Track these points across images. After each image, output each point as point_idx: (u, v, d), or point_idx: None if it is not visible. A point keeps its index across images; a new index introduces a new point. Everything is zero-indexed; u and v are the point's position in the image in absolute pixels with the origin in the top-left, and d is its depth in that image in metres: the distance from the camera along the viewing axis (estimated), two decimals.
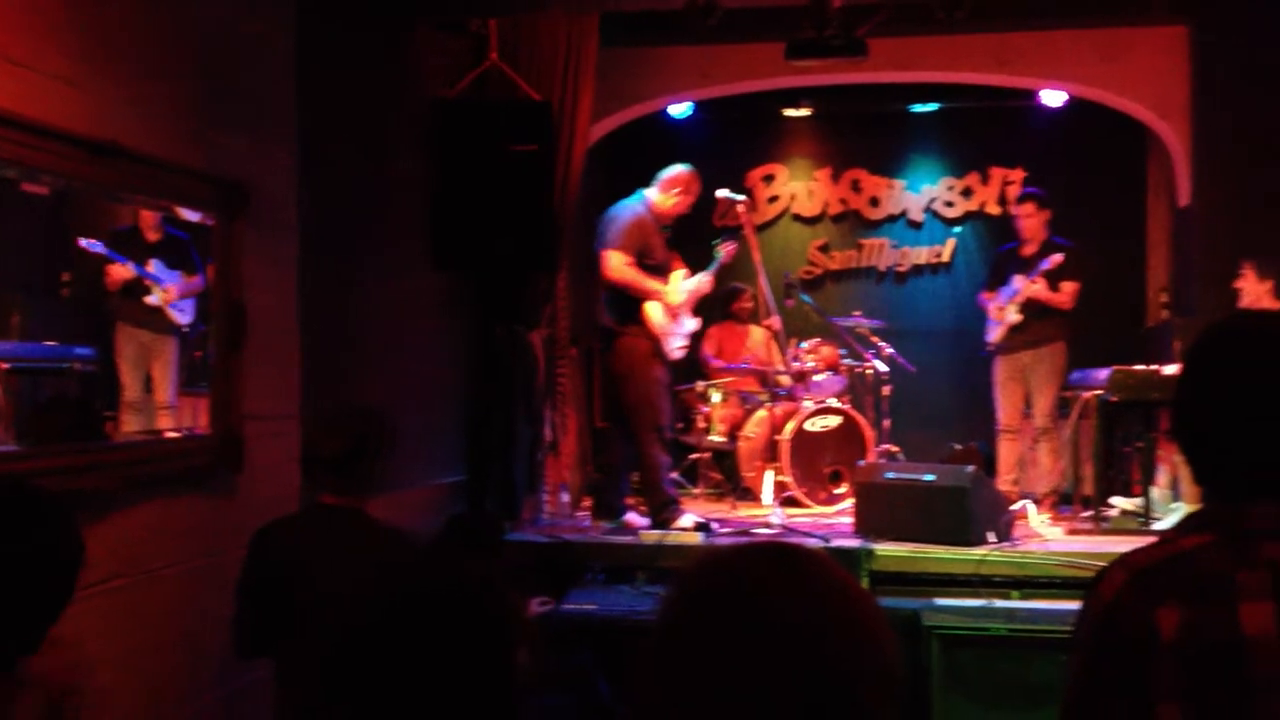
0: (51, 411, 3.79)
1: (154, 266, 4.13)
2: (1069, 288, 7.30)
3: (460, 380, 6.55)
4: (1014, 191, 9.38)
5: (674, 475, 7.44)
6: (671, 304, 6.82)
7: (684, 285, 6.97)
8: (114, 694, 3.36)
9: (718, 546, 1.37)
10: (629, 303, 6.75)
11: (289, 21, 4.64)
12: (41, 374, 3.79)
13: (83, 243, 3.89)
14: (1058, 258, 7.20)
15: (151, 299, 4.13)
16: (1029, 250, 7.49)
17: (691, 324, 7.05)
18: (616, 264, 6.66)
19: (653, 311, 6.75)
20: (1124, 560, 1.70)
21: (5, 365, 3.55)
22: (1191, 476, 1.74)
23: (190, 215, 4.11)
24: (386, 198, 5.77)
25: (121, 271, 4.02)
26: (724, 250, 7.30)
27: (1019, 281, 7.35)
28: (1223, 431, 1.70)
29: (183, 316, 4.23)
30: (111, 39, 3.59)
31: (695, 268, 7.05)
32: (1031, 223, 7.48)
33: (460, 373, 6.55)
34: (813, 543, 5.93)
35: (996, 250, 8.13)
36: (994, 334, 7.55)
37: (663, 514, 6.69)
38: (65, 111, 3.29)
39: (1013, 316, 7.38)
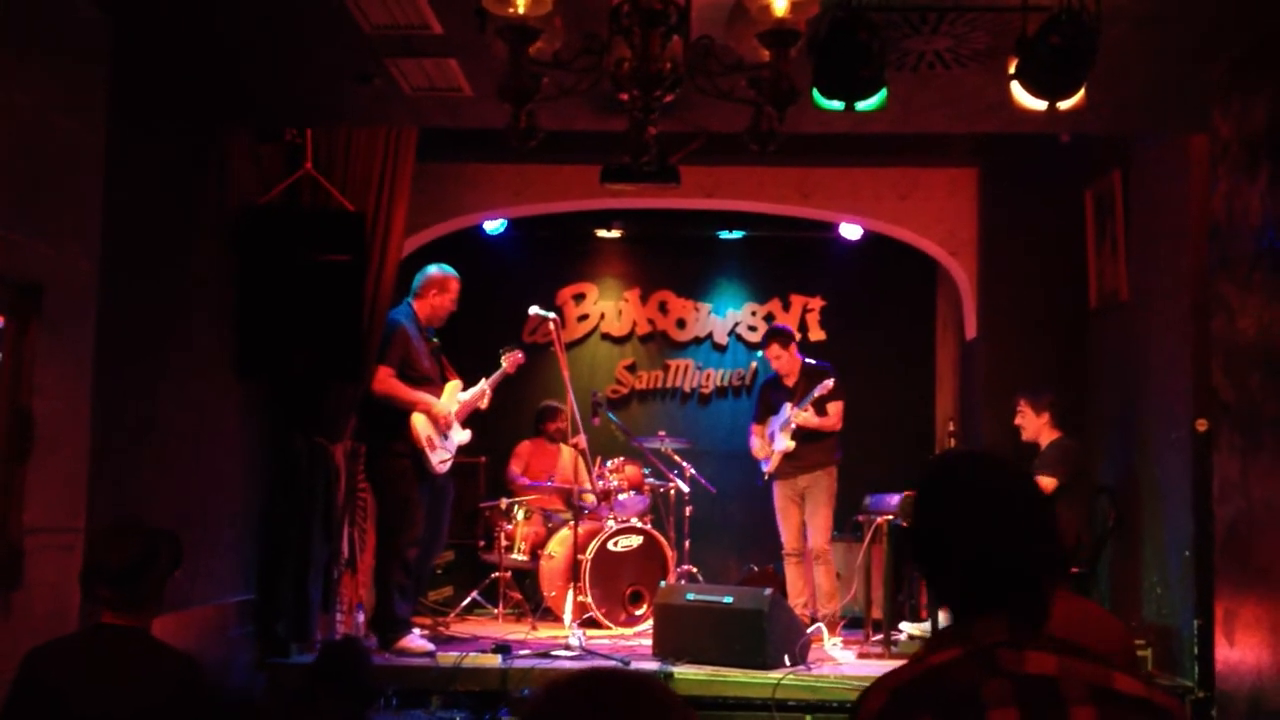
0: None
1: None
2: (835, 409, 7.53)
3: (257, 492, 6.33)
4: (814, 319, 9.74)
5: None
6: (439, 414, 6.72)
7: (459, 395, 6.92)
8: None
9: (556, 676, 1.32)
10: (392, 416, 6.63)
11: (98, 121, 4.52)
12: None
13: None
14: (829, 384, 7.39)
15: None
16: (791, 381, 7.71)
17: (462, 436, 6.95)
18: (379, 377, 6.58)
19: (418, 424, 6.65)
20: (881, 682, 1.83)
21: None
22: (934, 596, 1.91)
23: None
24: (190, 303, 5.61)
25: None
26: (508, 359, 7.18)
27: (789, 409, 7.54)
28: (953, 556, 1.88)
29: None
30: None
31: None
32: (783, 361, 7.72)
33: (257, 484, 6.34)
34: (611, 665, 5.90)
35: (761, 382, 8.33)
36: (769, 464, 7.70)
37: (388, 635, 6.56)
38: None
39: (787, 443, 7.52)
